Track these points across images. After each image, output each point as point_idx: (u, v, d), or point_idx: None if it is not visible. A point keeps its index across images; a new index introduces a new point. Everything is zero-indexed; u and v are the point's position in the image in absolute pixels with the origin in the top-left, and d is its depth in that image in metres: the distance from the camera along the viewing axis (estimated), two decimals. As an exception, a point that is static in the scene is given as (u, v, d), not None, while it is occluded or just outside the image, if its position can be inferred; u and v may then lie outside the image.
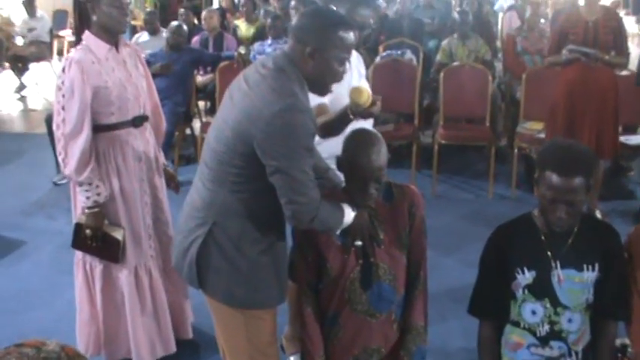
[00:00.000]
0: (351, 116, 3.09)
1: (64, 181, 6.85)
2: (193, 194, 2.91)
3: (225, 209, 2.77)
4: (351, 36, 2.73)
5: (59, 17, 14.25)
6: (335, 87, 2.88)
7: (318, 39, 2.67)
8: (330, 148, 3.09)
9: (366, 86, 3.54)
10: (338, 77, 2.79)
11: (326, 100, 3.06)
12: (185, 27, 7.74)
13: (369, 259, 2.87)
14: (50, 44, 13.03)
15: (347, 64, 2.97)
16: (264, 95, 2.61)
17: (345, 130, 3.09)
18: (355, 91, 3.00)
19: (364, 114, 3.08)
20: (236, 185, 2.73)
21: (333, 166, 2.98)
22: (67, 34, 13.45)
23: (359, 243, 2.86)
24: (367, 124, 3.38)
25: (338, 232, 2.84)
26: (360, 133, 2.85)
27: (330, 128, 3.17)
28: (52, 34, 13.19)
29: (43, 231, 6.05)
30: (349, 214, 2.80)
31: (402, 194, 2.96)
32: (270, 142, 2.57)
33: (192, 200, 2.90)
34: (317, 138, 3.07)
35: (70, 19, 13.77)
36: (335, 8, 3.41)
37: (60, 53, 13.24)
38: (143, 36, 8.60)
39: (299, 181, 2.61)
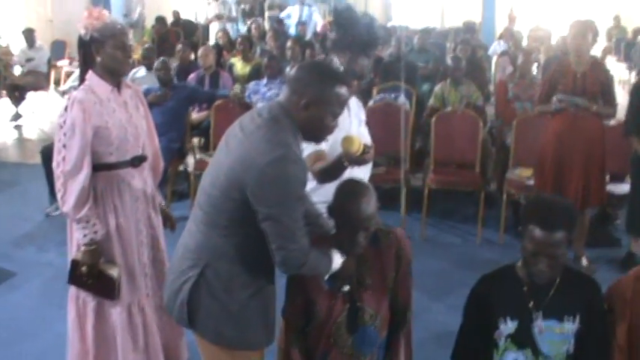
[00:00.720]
0: (346, 163, 3.16)
1: (56, 213, 6.91)
2: (186, 236, 2.98)
3: (216, 252, 2.84)
4: (345, 92, 2.83)
5: (57, 47, 14.39)
6: (334, 133, 2.96)
7: (313, 92, 2.76)
8: (326, 193, 3.15)
9: (365, 133, 3.64)
10: (330, 130, 2.88)
11: (324, 146, 3.15)
12: (169, 62, 7.81)
13: (355, 304, 2.95)
14: (48, 74, 13.14)
15: (346, 111, 3.07)
16: (258, 144, 2.70)
17: (341, 176, 3.19)
18: (346, 141, 3.07)
19: (357, 162, 3.15)
20: (228, 229, 2.81)
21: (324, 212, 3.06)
22: (65, 64, 13.57)
23: (346, 288, 2.94)
24: (365, 169, 3.45)
25: (326, 277, 2.91)
26: (351, 183, 2.95)
27: (327, 175, 3.25)
28: (50, 64, 13.31)
29: (34, 263, 6.09)
30: (337, 261, 2.90)
31: (389, 239, 3.05)
32: (263, 190, 2.66)
33: (185, 242, 2.98)
34: (314, 183, 3.16)
35: (69, 50, 13.90)
36: (335, 58, 3.52)
37: (57, 83, 13.33)
38: (140, 71, 8.67)
39: (289, 228, 2.70)
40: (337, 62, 3.53)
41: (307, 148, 3.08)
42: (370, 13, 3.86)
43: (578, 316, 2.93)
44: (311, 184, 3.22)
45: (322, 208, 3.09)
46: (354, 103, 3.67)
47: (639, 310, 2.95)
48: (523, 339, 2.94)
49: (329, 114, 2.81)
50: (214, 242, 2.84)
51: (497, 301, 2.98)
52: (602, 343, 2.97)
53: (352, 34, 3.51)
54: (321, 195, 3.28)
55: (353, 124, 3.61)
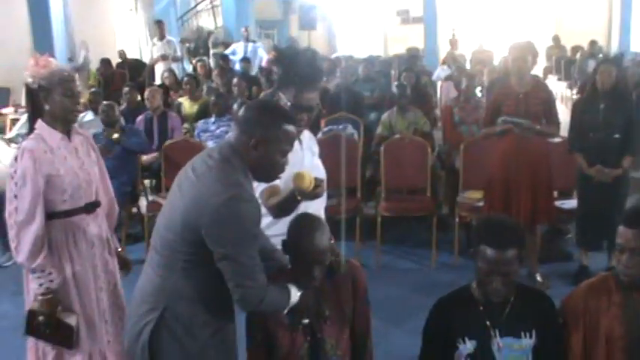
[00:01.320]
0: (299, 198, 3.21)
1: (8, 263, 6.83)
2: (144, 280, 2.99)
3: (175, 294, 2.86)
4: (293, 129, 2.90)
5: (1, 94, 14.20)
6: (288, 167, 3.02)
7: (262, 132, 2.82)
8: (282, 227, 3.19)
9: (319, 165, 3.69)
10: (280, 169, 2.94)
11: (278, 181, 3.18)
12: (114, 105, 7.82)
13: (316, 336, 2.99)
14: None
15: (297, 145, 3.12)
16: (210, 186, 2.74)
17: (295, 210, 3.24)
18: (297, 178, 3.13)
19: (310, 197, 3.21)
20: (186, 271, 2.84)
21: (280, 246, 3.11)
22: (10, 111, 13.43)
23: (306, 321, 2.98)
24: (320, 202, 3.50)
25: (285, 311, 2.95)
26: (304, 218, 3.00)
27: (281, 209, 3.30)
28: (-6, 112, 13.18)
29: (-12, 315, 5.99)
30: (295, 295, 2.94)
31: (344, 270, 3.10)
32: (218, 230, 2.70)
33: (142, 286, 2.99)
34: (270, 218, 3.20)
35: (12, 97, 13.75)
36: (281, 94, 3.57)
37: (2, 131, 13.17)
38: (88, 115, 8.63)
39: (246, 266, 2.75)
40: (284, 98, 3.58)
41: (261, 184, 3.12)
42: (312, 47, 3.93)
43: (534, 331, 3.00)
44: (266, 219, 3.27)
45: (278, 242, 3.13)
46: (306, 136, 3.73)
47: (592, 321, 3.03)
48: (483, 357, 3.00)
49: (278, 152, 2.88)
50: (172, 284, 2.86)
51: (454, 323, 3.04)
52: (559, 357, 3.04)
53: (295, 69, 3.56)
54: (277, 229, 3.31)
55: (306, 157, 3.66)
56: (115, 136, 7.13)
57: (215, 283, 2.84)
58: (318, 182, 3.18)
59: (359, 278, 3.13)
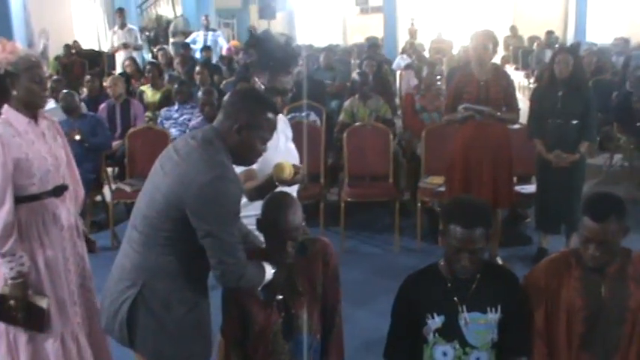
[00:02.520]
0: (277, 183, 3.30)
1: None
2: (121, 258, 3.05)
3: (154, 271, 2.93)
4: (275, 119, 3.01)
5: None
6: (268, 153, 3.12)
7: (246, 118, 2.91)
8: (256, 207, 3.27)
9: (292, 149, 3.78)
10: (259, 154, 3.04)
11: (254, 165, 3.25)
12: (83, 91, 7.79)
13: (290, 312, 3.07)
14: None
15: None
16: (195, 165, 2.81)
17: (268, 194, 3.31)
18: (277, 168, 3.22)
19: (289, 184, 3.31)
20: (166, 248, 2.91)
21: (253, 226, 3.19)
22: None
23: (280, 297, 3.07)
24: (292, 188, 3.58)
25: (260, 288, 3.03)
26: (278, 196, 3.09)
27: (258, 193, 3.36)
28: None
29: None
30: (269, 272, 3.03)
31: (315, 247, 3.19)
32: (203, 208, 2.77)
33: (121, 264, 3.04)
34: (244, 200, 3.27)
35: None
36: (257, 78, 3.65)
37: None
38: (50, 103, 8.55)
39: (228, 243, 2.82)
40: (258, 82, 3.66)
41: (238, 167, 3.20)
42: (286, 33, 4.01)
43: (500, 306, 3.11)
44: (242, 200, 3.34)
45: (253, 222, 3.21)
46: (281, 119, 3.80)
47: (553, 295, 3.15)
48: (450, 332, 3.11)
49: (259, 139, 2.98)
50: (151, 261, 2.93)
51: (423, 299, 3.14)
52: (523, 330, 3.16)
53: (270, 53, 3.64)
54: (251, 209, 3.39)
55: (280, 140, 3.73)
56: (77, 137, 7.10)
57: (193, 260, 2.93)
58: (297, 169, 3.27)
59: (330, 254, 3.23)
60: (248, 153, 3.01)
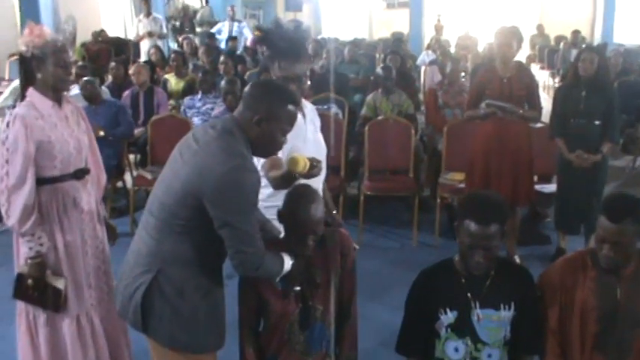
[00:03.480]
0: (298, 176, 3.31)
1: (-1, 230, 6.88)
2: (138, 243, 3.07)
3: (170, 257, 2.94)
4: (296, 111, 3.01)
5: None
6: (292, 140, 3.15)
7: (266, 110, 2.91)
8: (280, 199, 3.27)
9: (320, 140, 3.84)
10: (279, 146, 3.05)
11: (280, 153, 3.26)
12: (108, 78, 7.83)
13: (307, 303, 3.09)
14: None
15: (301, 118, 3.35)
16: (214, 155, 2.82)
17: (292, 185, 3.33)
18: (291, 162, 3.21)
19: (306, 177, 3.30)
20: (182, 235, 2.92)
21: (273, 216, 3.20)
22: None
23: (297, 288, 3.08)
24: (319, 177, 3.57)
25: (278, 279, 3.05)
26: (300, 189, 3.10)
27: (281, 183, 3.38)
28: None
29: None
30: (288, 263, 3.04)
31: (334, 239, 3.19)
32: (221, 198, 2.79)
33: (137, 249, 3.06)
34: (269, 190, 3.30)
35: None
36: (271, 69, 3.66)
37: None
38: (74, 89, 8.63)
39: (247, 233, 2.84)
40: (272, 73, 3.68)
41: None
42: (297, 19, 3.99)
43: (513, 303, 3.11)
44: (265, 190, 3.36)
45: (273, 212, 3.22)
46: (309, 108, 3.83)
47: (567, 295, 3.15)
48: (463, 328, 3.11)
49: (279, 131, 2.97)
50: (167, 248, 2.94)
51: (437, 294, 3.15)
52: (536, 328, 3.16)
53: (278, 41, 3.66)
54: (274, 199, 3.42)
55: (309, 130, 3.77)
56: (101, 134, 7.13)
57: (209, 248, 2.95)
58: (314, 163, 3.26)
59: (348, 247, 3.23)
60: (268, 145, 3.01)
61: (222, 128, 2.92)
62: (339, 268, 3.18)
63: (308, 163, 3.22)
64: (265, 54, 3.82)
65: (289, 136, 3.11)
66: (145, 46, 13.43)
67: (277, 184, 3.40)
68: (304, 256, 3.09)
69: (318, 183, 3.64)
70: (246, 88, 3.09)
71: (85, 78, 7.79)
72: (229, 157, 2.81)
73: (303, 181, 3.30)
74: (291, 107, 2.98)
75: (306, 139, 3.69)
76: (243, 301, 3.17)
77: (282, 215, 3.09)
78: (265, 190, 3.37)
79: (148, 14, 13.71)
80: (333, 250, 3.18)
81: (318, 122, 3.97)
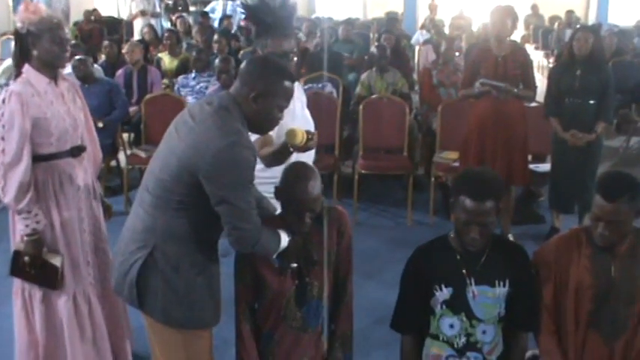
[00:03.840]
0: (291, 149, 3.33)
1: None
2: (133, 219, 3.07)
3: (165, 233, 2.94)
4: (293, 87, 3.01)
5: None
6: (285, 120, 3.15)
7: (263, 85, 2.91)
8: (274, 174, 3.30)
9: (307, 116, 3.82)
10: (275, 122, 3.05)
11: (271, 132, 3.27)
12: (101, 57, 7.81)
13: (304, 279, 3.09)
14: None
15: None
16: (210, 131, 2.82)
17: (287, 160, 3.36)
18: (290, 134, 3.25)
19: (302, 150, 3.33)
20: (178, 211, 2.92)
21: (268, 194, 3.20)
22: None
23: (294, 265, 3.08)
24: (310, 153, 3.60)
25: (275, 255, 3.05)
26: (297, 166, 3.11)
27: (273, 159, 3.40)
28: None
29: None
30: (285, 239, 3.05)
31: (331, 216, 3.19)
32: (217, 174, 2.79)
33: (132, 225, 3.06)
34: (261, 166, 3.29)
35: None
36: (257, 47, 3.67)
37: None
38: (67, 68, 8.60)
39: (243, 209, 2.84)
40: (259, 50, 3.68)
41: (254, 134, 3.21)
42: None
43: (508, 280, 3.11)
44: (258, 166, 3.36)
45: (269, 187, 3.22)
46: (295, 86, 3.81)
47: (562, 272, 3.16)
48: (458, 304, 3.11)
49: (276, 107, 2.97)
50: (163, 224, 2.94)
51: (432, 270, 3.15)
52: (530, 305, 3.17)
53: (264, 20, 3.67)
54: (271, 176, 3.42)
55: (297, 106, 3.76)
56: (100, 125, 7.09)
57: (205, 224, 2.95)
58: (310, 135, 3.29)
59: (345, 224, 3.23)
60: (264, 121, 3.01)
61: (219, 105, 2.91)
62: (335, 245, 3.19)
63: (305, 136, 3.25)
64: (254, 32, 3.83)
65: None
66: (138, 25, 13.40)
67: (269, 161, 3.41)
68: (301, 233, 3.09)
69: (309, 159, 3.65)
70: (243, 65, 3.08)
71: (77, 57, 7.72)
72: (225, 133, 2.80)
73: (294, 156, 3.30)
74: (287, 83, 2.98)
75: (295, 114, 3.70)
76: (239, 277, 3.16)
77: (279, 192, 3.09)
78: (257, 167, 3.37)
79: (142, -7, 13.67)
80: (331, 227, 3.18)
81: (304, 98, 4.00)
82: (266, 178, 3.46)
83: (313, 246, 3.13)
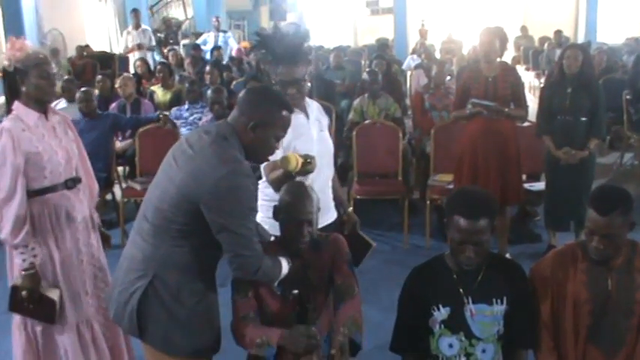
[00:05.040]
0: (293, 174, 3.37)
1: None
2: (132, 248, 3.08)
3: (165, 262, 2.96)
4: (290, 117, 3.06)
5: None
6: (293, 140, 3.40)
7: (262, 115, 2.96)
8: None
9: (326, 138, 3.92)
10: (272, 152, 3.10)
11: (278, 154, 3.32)
12: (96, 92, 7.86)
13: (305, 305, 3.12)
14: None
15: (304, 118, 3.56)
16: (209, 160, 2.85)
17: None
18: (284, 161, 3.32)
19: (301, 174, 3.38)
20: (177, 240, 2.94)
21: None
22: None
23: (295, 292, 3.11)
24: (327, 173, 3.78)
25: (276, 283, 3.08)
26: (293, 183, 3.24)
27: (279, 185, 3.43)
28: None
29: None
30: (285, 266, 3.09)
31: (327, 243, 3.28)
32: (217, 202, 2.82)
33: (131, 254, 3.07)
34: (270, 190, 3.49)
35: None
36: (271, 74, 3.71)
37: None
38: (61, 103, 8.60)
39: (244, 236, 2.88)
40: (272, 80, 3.73)
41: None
42: (295, 23, 4.02)
43: (506, 298, 3.12)
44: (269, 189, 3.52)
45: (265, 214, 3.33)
46: (314, 108, 3.87)
47: (559, 287, 3.17)
48: (456, 324, 3.12)
49: (273, 137, 3.03)
50: (163, 253, 2.96)
51: (429, 290, 3.16)
52: (529, 322, 3.18)
53: (277, 47, 3.70)
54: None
55: (313, 129, 3.82)
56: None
57: (204, 252, 2.98)
58: (308, 159, 3.35)
59: (340, 249, 3.31)
60: (261, 150, 3.06)
61: (217, 133, 2.94)
62: (330, 269, 3.22)
63: (300, 161, 3.31)
64: (262, 61, 3.86)
65: (291, 136, 3.25)
66: (134, 59, 13.46)
67: (277, 185, 3.45)
68: (301, 255, 3.16)
69: (324, 180, 3.81)
70: (241, 94, 3.12)
71: (83, 89, 7.76)
72: (224, 162, 2.83)
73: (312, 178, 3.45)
74: (285, 113, 3.03)
75: (311, 138, 3.76)
76: (238, 291, 3.17)
77: (278, 210, 3.18)
78: (267, 190, 3.54)
79: (137, 26, 13.76)
80: (326, 253, 3.26)
81: (325, 120, 4.02)
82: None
83: (312, 272, 3.17)
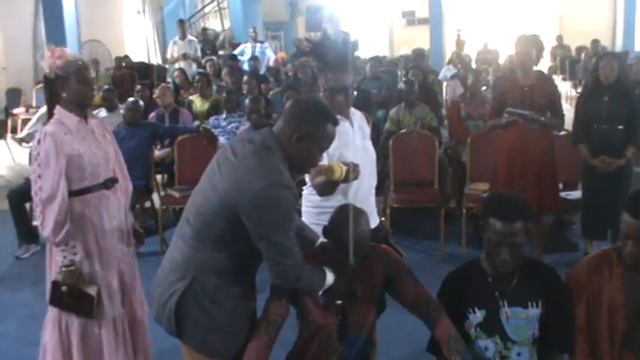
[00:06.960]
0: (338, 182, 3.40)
1: (26, 255, 7.04)
2: (174, 250, 3.13)
3: (204, 265, 3.00)
4: (335, 130, 3.07)
5: (12, 95, 14.24)
6: (338, 148, 3.44)
7: (307, 128, 2.97)
8: (333, 204, 3.48)
9: (368, 146, 3.95)
10: (315, 164, 3.14)
11: (325, 159, 3.39)
12: (141, 102, 7.99)
13: (347, 316, 3.15)
14: (5, 122, 13.19)
15: (349, 126, 3.59)
16: (252, 170, 2.88)
17: (336, 191, 3.50)
18: (328, 170, 3.33)
19: (345, 182, 3.41)
20: (217, 245, 2.98)
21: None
22: (21, 111, 13.51)
23: (339, 302, 3.14)
24: (369, 182, 3.84)
25: (320, 292, 3.13)
26: (346, 210, 3.17)
27: (323, 190, 3.50)
28: (7, 112, 13.39)
29: (8, 303, 6.11)
30: (330, 277, 3.12)
31: (377, 254, 3.29)
32: (258, 213, 2.84)
33: (172, 256, 3.12)
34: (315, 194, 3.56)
35: (23, 97, 13.90)
36: (319, 82, 3.77)
37: (14, 131, 13.24)
38: (101, 112, 8.76)
39: (284, 246, 2.89)
40: (320, 87, 3.81)
41: None
42: (343, 31, 4.08)
43: (541, 301, 3.13)
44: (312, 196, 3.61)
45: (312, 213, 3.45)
46: (357, 116, 3.92)
47: (594, 292, 3.16)
48: (491, 327, 3.14)
49: (317, 149, 3.05)
50: (203, 256, 3.00)
51: (465, 293, 3.19)
52: (565, 326, 3.18)
53: (324, 54, 3.76)
54: (328, 202, 3.63)
55: (357, 137, 3.86)
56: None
57: (244, 258, 3.02)
58: (351, 167, 3.36)
59: (395, 260, 3.34)
60: (305, 162, 3.08)
61: (261, 143, 2.96)
62: (381, 282, 3.26)
63: (344, 169, 3.31)
64: (292, 72, 3.92)
65: (337, 143, 3.24)
66: (172, 69, 13.63)
67: (321, 190, 3.51)
68: (347, 273, 3.15)
69: (367, 188, 3.86)
70: (287, 105, 3.14)
71: (131, 99, 7.95)
72: (266, 173, 2.85)
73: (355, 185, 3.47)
74: (330, 127, 3.03)
75: (356, 146, 3.79)
76: (275, 295, 3.19)
77: (327, 232, 3.18)
78: (311, 197, 3.63)
79: (183, 37, 13.94)
80: (376, 264, 3.26)
81: (367, 129, 4.06)
82: (327, 207, 3.55)
83: (357, 282, 3.18)
